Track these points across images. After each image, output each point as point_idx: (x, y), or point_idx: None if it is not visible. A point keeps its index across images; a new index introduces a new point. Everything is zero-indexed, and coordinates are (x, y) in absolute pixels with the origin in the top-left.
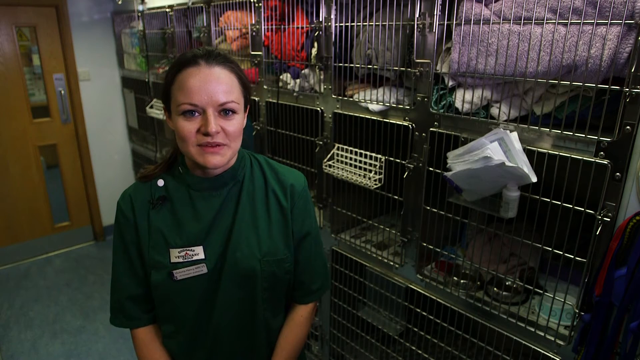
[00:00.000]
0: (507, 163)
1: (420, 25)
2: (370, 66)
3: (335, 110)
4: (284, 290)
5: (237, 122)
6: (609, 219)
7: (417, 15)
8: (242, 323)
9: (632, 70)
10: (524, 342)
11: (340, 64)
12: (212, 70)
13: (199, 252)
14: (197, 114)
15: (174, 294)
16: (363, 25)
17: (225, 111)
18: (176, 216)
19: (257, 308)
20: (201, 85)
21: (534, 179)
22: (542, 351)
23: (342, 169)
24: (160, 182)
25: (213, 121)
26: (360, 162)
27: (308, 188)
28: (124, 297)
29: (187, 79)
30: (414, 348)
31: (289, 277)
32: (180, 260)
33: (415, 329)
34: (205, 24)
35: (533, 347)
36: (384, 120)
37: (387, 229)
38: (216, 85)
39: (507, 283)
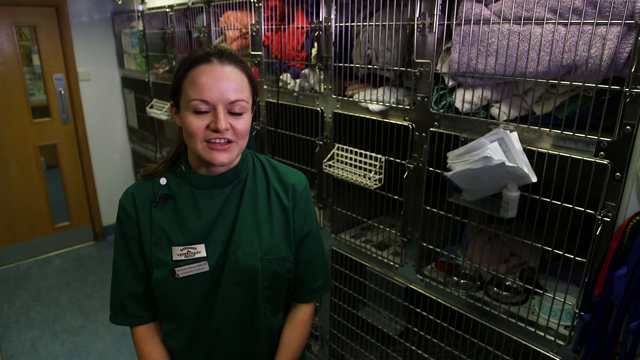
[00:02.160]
0: (507, 163)
1: (420, 25)
2: (370, 66)
3: (335, 110)
4: (284, 289)
5: (245, 121)
6: (609, 219)
7: (417, 15)
8: (242, 322)
9: (632, 70)
10: (524, 342)
11: (340, 64)
12: (225, 69)
13: (200, 250)
14: (207, 110)
15: (175, 291)
16: (363, 25)
17: (234, 109)
18: (178, 214)
19: (258, 307)
20: (213, 83)
21: (534, 179)
22: (542, 351)
23: (342, 169)
24: (163, 181)
25: (223, 118)
26: (360, 162)
27: (309, 188)
28: (125, 294)
29: (199, 76)
30: (414, 348)
31: (289, 276)
32: (182, 258)
33: (415, 329)
34: (205, 24)
35: (533, 347)
36: (384, 120)
37: (387, 229)
38: (228, 83)
39: (507, 283)
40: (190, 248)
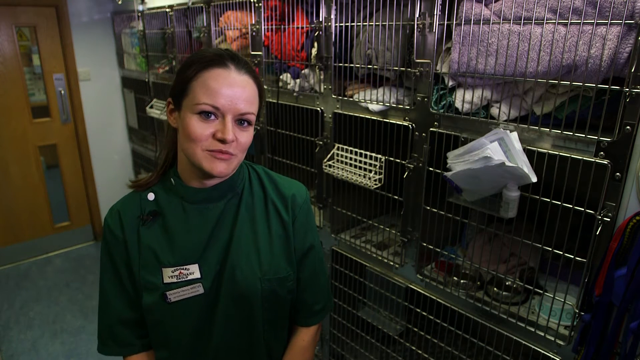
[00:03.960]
0: (507, 163)
1: (420, 25)
2: (370, 66)
3: (335, 110)
4: (286, 311)
5: (249, 134)
6: (609, 219)
7: (417, 15)
8: (242, 346)
9: (632, 70)
10: (524, 342)
11: (340, 64)
12: (240, 77)
13: (194, 271)
14: (214, 117)
15: (167, 317)
16: (363, 25)
17: (241, 121)
18: (168, 232)
19: (258, 330)
20: (227, 90)
21: (534, 179)
22: (542, 351)
23: (342, 169)
24: (151, 196)
25: (231, 128)
26: (360, 162)
27: (309, 199)
28: (115, 321)
29: (213, 79)
30: (414, 348)
31: (291, 297)
32: (174, 280)
33: (415, 329)
34: (205, 24)
35: (533, 347)
36: (384, 120)
37: (387, 229)
38: (242, 93)
39: (507, 283)
40: (183, 269)
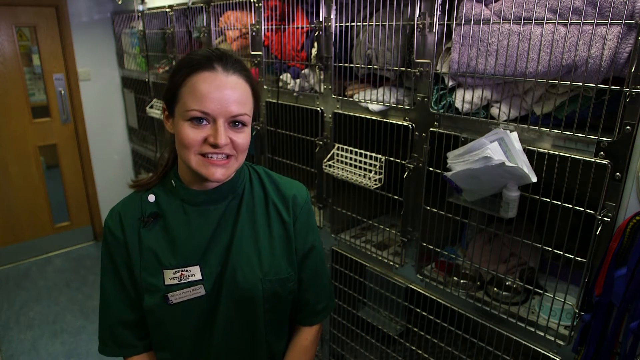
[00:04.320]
0: (507, 163)
1: (420, 25)
2: (370, 66)
3: (335, 110)
4: (287, 311)
5: (246, 135)
6: (609, 219)
7: (417, 15)
8: (243, 348)
9: (632, 70)
10: (524, 342)
11: (340, 64)
12: (229, 79)
13: (195, 273)
14: (205, 122)
15: (169, 319)
16: (363, 25)
17: (235, 123)
18: (169, 234)
19: (259, 331)
20: (216, 94)
21: (534, 179)
22: (542, 351)
23: (342, 169)
24: (152, 198)
25: (223, 132)
26: (360, 162)
27: (310, 200)
28: (116, 322)
29: (200, 84)
30: (414, 348)
31: (292, 297)
32: (176, 282)
33: (415, 329)
34: (205, 24)
35: (533, 347)
36: (384, 120)
37: (387, 229)
38: (231, 95)
39: (507, 283)
40: (184, 271)
